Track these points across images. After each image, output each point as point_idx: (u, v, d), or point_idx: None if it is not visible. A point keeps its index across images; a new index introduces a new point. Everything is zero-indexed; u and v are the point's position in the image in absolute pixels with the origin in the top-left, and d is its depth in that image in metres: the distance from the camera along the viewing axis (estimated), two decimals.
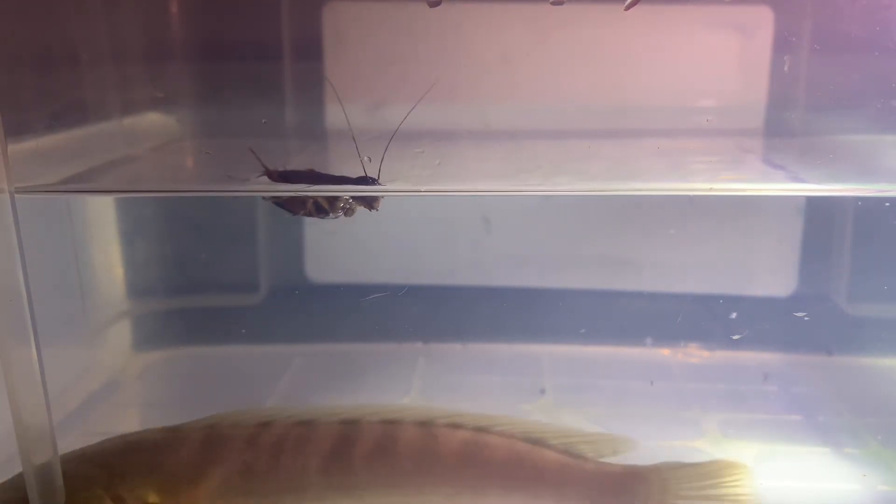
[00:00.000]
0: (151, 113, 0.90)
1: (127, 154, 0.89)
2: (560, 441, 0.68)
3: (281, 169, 0.73)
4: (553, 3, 0.81)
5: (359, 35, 0.89)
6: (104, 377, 1.03)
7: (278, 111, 0.92)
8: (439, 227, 1.08)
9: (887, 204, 0.90)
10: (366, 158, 0.75)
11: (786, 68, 0.85)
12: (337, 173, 0.73)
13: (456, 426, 0.69)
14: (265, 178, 0.74)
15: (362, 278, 1.09)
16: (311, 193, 0.75)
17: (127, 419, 0.96)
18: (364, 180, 0.70)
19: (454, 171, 0.79)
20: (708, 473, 0.69)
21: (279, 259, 1.13)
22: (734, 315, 1.00)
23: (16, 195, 0.62)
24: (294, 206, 0.76)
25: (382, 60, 0.87)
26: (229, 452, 0.68)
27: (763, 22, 0.87)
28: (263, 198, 0.79)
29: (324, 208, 0.75)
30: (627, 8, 0.74)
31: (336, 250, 1.11)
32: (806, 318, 1.02)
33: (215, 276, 1.12)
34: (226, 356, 1.10)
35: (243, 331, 1.10)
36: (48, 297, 0.90)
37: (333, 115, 0.94)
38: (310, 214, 0.76)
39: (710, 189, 0.78)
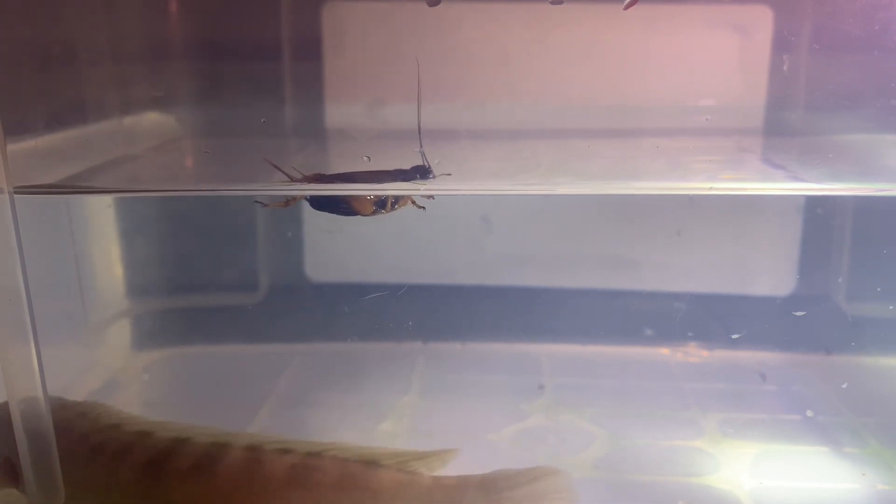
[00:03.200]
0: (151, 112, 0.90)
1: (127, 153, 0.89)
2: (394, 461, 0.69)
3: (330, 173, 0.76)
4: (552, 3, 0.81)
5: (358, 35, 0.89)
6: (104, 377, 1.03)
7: (278, 110, 0.92)
8: (439, 227, 1.08)
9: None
10: (364, 158, 0.76)
11: (785, 68, 0.85)
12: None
13: (285, 451, 0.69)
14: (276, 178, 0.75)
15: (362, 278, 1.09)
16: (295, 193, 0.78)
17: None
18: (422, 170, 0.74)
19: (454, 170, 0.79)
20: (533, 479, 0.71)
21: (279, 259, 1.13)
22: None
23: (15, 195, 0.62)
24: (363, 205, 0.77)
25: (382, 60, 0.87)
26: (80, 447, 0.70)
27: (762, 21, 0.87)
28: (309, 202, 0.81)
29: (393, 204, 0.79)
30: (626, 7, 0.74)
31: (336, 250, 1.11)
32: (802, 315, 1.02)
33: (215, 275, 1.12)
34: (226, 356, 1.10)
35: (243, 331, 1.10)
36: (48, 296, 0.90)
37: (333, 115, 0.94)
38: (374, 213, 0.78)
39: (710, 188, 0.78)
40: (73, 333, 1.01)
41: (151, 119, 0.90)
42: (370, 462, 0.69)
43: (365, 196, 0.77)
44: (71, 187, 0.80)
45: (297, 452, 0.69)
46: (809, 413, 0.93)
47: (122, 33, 0.85)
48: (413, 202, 0.79)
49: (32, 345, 0.64)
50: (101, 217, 1.05)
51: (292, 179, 0.74)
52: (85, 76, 0.85)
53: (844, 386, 0.95)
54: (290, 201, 0.81)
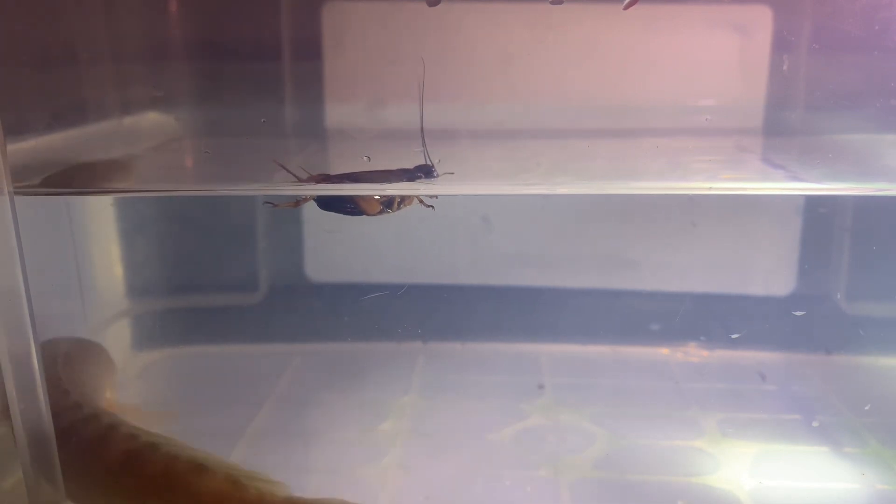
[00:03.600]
0: (151, 112, 0.90)
1: (127, 153, 0.89)
2: (224, 471, 0.69)
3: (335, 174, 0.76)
4: (552, 3, 0.81)
5: (358, 35, 0.89)
6: None
7: (278, 110, 0.92)
8: (439, 227, 1.08)
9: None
10: (364, 158, 0.76)
11: (785, 68, 0.85)
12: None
13: (132, 436, 0.71)
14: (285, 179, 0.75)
15: (362, 278, 1.09)
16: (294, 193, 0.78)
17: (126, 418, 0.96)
18: (426, 169, 0.74)
19: (454, 170, 0.79)
20: None
21: (279, 259, 1.13)
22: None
23: (15, 195, 0.62)
24: (370, 205, 0.78)
25: (382, 60, 0.87)
26: None
27: (762, 21, 0.87)
28: (318, 204, 0.81)
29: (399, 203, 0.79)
30: (626, 7, 0.74)
31: (336, 250, 1.11)
32: (801, 315, 1.02)
33: (215, 275, 1.12)
34: (226, 356, 1.10)
35: (243, 331, 1.10)
36: (48, 296, 0.90)
37: (333, 115, 0.94)
38: (381, 213, 0.79)
39: (710, 188, 0.78)
40: (73, 333, 1.01)
41: (151, 119, 0.90)
42: (199, 465, 0.68)
43: (371, 196, 0.77)
44: (71, 187, 0.81)
45: (139, 440, 0.70)
46: (815, 424, 0.93)
47: (122, 33, 0.85)
48: (421, 201, 0.79)
49: (32, 344, 0.64)
50: (101, 217, 1.05)
51: (299, 179, 0.74)
52: (85, 76, 0.85)
53: (867, 408, 0.95)
54: (299, 201, 0.81)
